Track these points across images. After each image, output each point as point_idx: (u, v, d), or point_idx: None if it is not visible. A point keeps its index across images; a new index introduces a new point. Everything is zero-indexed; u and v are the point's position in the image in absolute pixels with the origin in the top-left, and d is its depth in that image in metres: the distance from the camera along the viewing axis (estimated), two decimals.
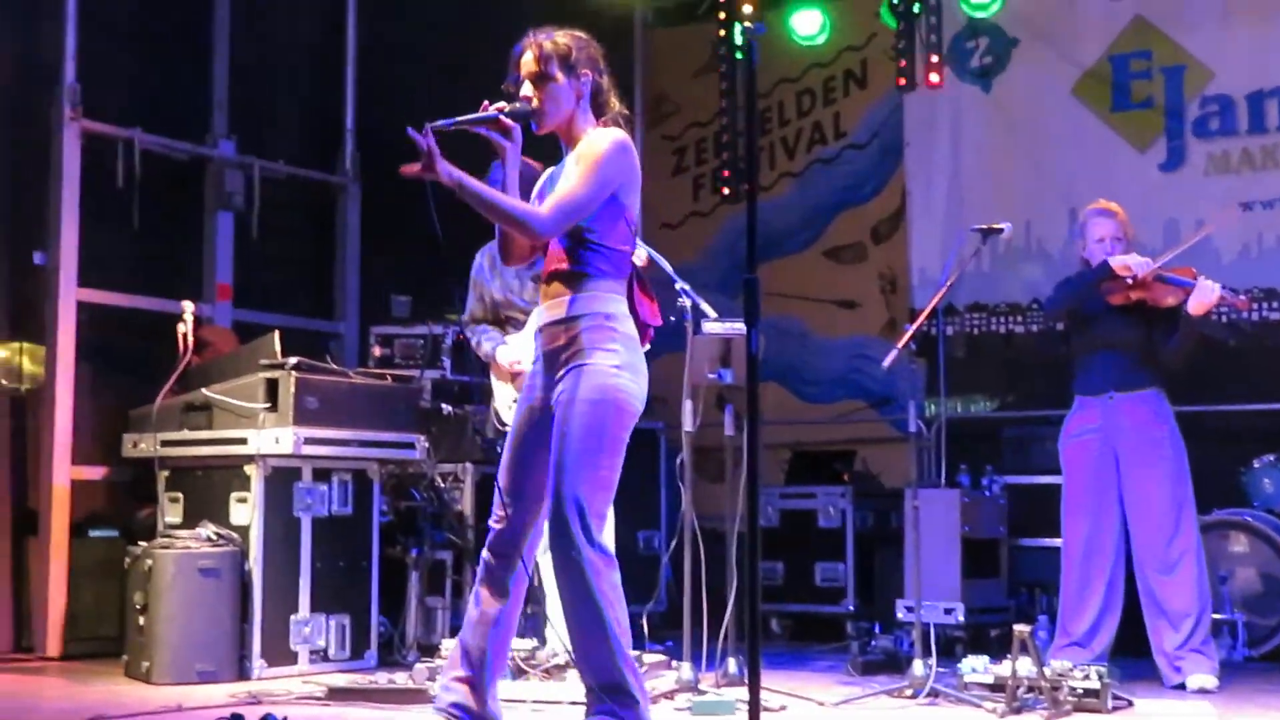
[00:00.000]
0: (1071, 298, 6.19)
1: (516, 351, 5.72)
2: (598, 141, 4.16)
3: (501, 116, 4.11)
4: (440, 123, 3.99)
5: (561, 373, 4.12)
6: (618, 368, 4.10)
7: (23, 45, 7.04)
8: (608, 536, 4.17)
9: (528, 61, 4.20)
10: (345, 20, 8.52)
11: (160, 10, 7.73)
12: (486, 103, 4.14)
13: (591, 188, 4.09)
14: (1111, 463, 6.05)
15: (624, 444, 4.13)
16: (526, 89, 4.18)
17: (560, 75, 4.20)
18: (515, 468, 4.24)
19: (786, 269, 9.70)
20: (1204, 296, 5.88)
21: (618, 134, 4.19)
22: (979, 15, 8.94)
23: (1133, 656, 6.21)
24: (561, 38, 4.25)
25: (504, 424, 5.71)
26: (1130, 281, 5.97)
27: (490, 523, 4.27)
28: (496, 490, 4.25)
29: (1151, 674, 6.03)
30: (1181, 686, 5.85)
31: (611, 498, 4.14)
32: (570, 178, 4.12)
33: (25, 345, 6.98)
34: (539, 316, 4.25)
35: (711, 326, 5.73)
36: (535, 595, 6.61)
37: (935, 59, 8.74)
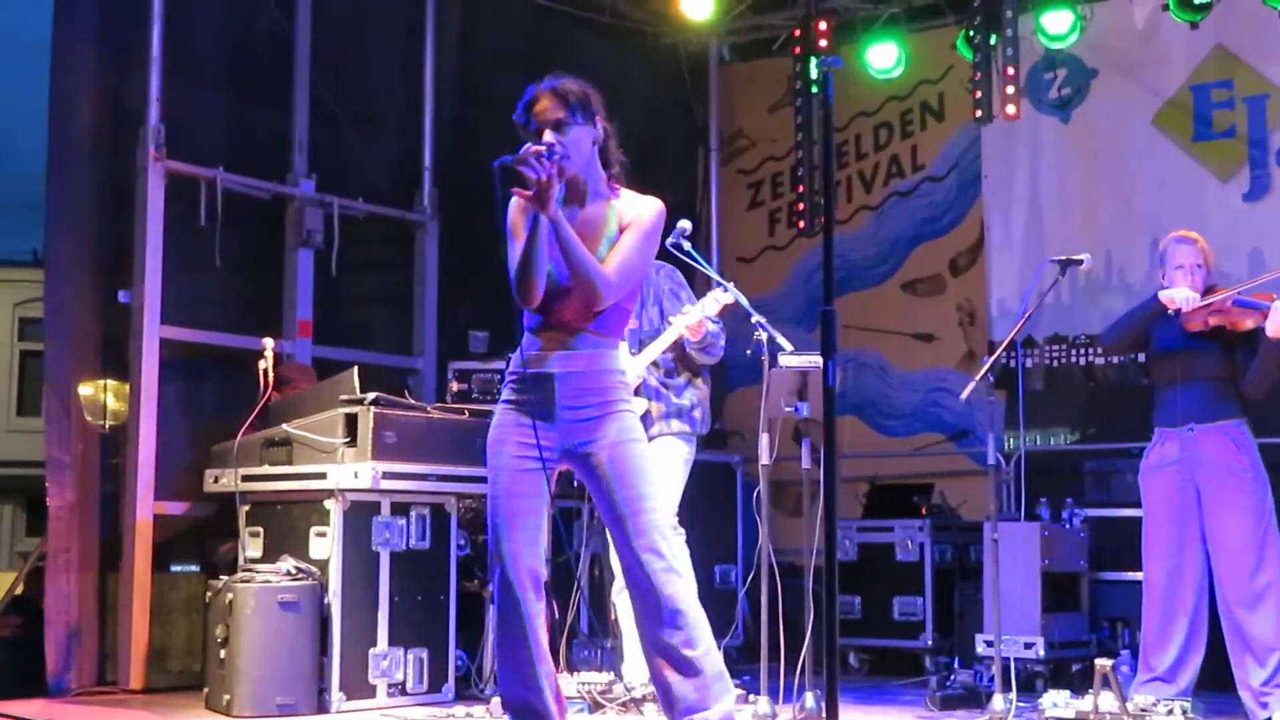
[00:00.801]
0: (1124, 330, 6.09)
1: None
2: (645, 210, 4.33)
3: (544, 149, 4.12)
4: (508, 160, 4.03)
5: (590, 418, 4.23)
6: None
7: (109, 88, 7.17)
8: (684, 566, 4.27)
9: (550, 107, 4.23)
10: (423, 59, 8.62)
11: (242, 52, 7.87)
12: (547, 141, 4.18)
13: (646, 255, 4.33)
14: (1193, 495, 5.91)
15: None
16: (549, 135, 4.20)
17: (581, 121, 4.25)
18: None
19: (864, 302, 9.67)
20: None
21: (658, 203, 4.36)
22: (1057, 46, 8.88)
23: (1218, 691, 6.10)
24: (575, 84, 4.30)
25: None
26: (1188, 310, 5.85)
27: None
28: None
29: (1237, 709, 5.91)
30: None
31: None
32: (627, 245, 4.27)
33: (110, 383, 7.09)
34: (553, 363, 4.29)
35: (788, 360, 5.72)
36: (612, 630, 6.63)
37: (1012, 90, 8.68)
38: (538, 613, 4.27)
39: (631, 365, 5.94)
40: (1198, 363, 5.91)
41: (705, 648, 4.21)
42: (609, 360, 4.30)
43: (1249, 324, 5.83)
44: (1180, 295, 5.86)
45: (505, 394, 4.36)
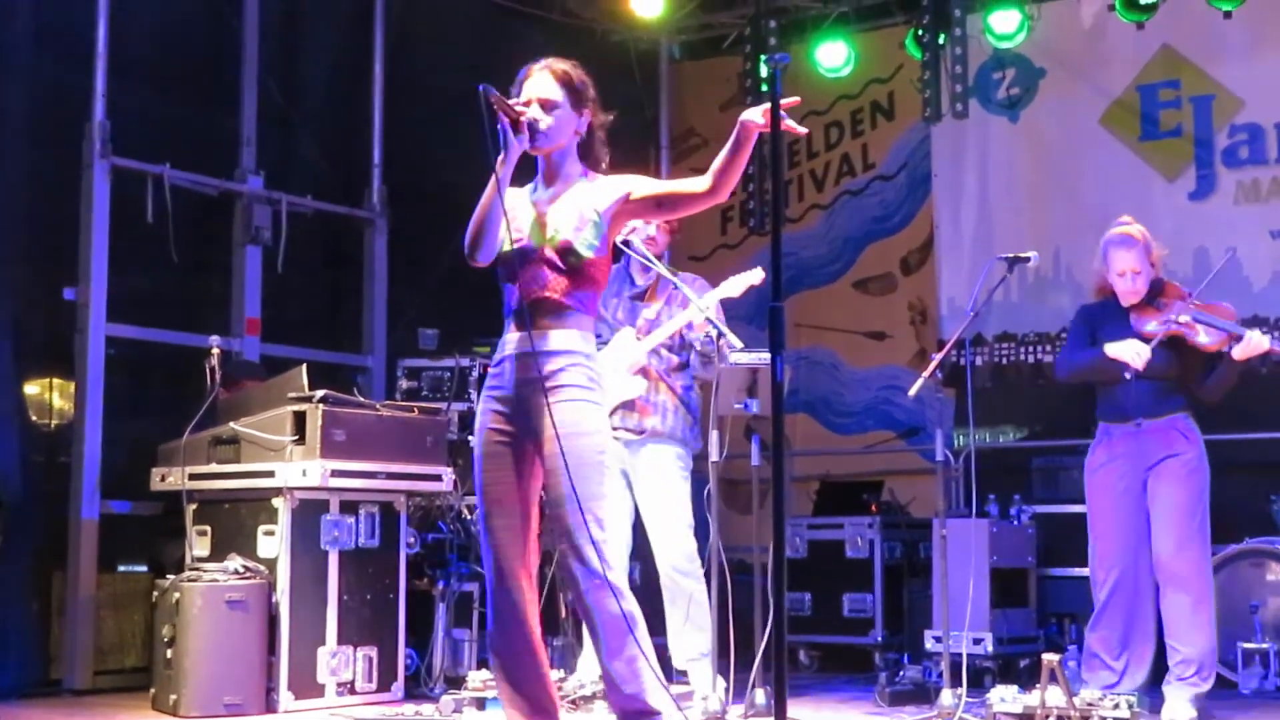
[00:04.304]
0: (1077, 375, 6.04)
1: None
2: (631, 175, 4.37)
3: (528, 117, 4.14)
4: (493, 92, 4.03)
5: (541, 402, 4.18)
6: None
7: (54, 84, 7.11)
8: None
9: (544, 82, 4.24)
10: (372, 57, 8.59)
11: (189, 49, 7.81)
12: (526, 99, 4.19)
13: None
14: (1140, 491, 5.88)
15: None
16: (535, 110, 4.20)
17: (570, 107, 4.25)
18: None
19: (816, 300, 9.71)
20: (1252, 349, 5.66)
21: None
22: (1005, 46, 8.93)
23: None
24: (576, 71, 4.30)
25: None
26: (1140, 367, 5.75)
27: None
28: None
29: None
30: None
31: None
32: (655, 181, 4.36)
33: (55, 381, 7.03)
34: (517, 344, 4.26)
35: (738, 357, 5.72)
36: (563, 627, 6.62)
37: (960, 90, 8.73)
38: (531, 601, 4.23)
39: (637, 349, 5.99)
40: (1150, 362, 5.78)
41: (627, 656, 4.08)
42: (567, 340, 4.20)
43: (1213, 347, 5.76)
44: (1128, 354, 5.74)
45: (487, 381, 4.34)
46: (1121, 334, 5.87)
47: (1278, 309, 8.18)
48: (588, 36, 9.61)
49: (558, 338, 4.19)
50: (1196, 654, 5.73)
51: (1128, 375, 5.75)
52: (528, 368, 4.18)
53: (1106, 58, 8.87)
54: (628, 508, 6.15)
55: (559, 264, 4.19)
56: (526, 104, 4.18)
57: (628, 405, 6.09)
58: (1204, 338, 5.76)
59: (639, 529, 6.20)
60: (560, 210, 4.25)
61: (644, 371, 6.12)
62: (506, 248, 4.20)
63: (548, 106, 4.22)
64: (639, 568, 6.56)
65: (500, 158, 4.09)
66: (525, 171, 4.32)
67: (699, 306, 5.85)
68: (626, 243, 5.91)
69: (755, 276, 6.02)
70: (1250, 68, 8.43)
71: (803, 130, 4.10)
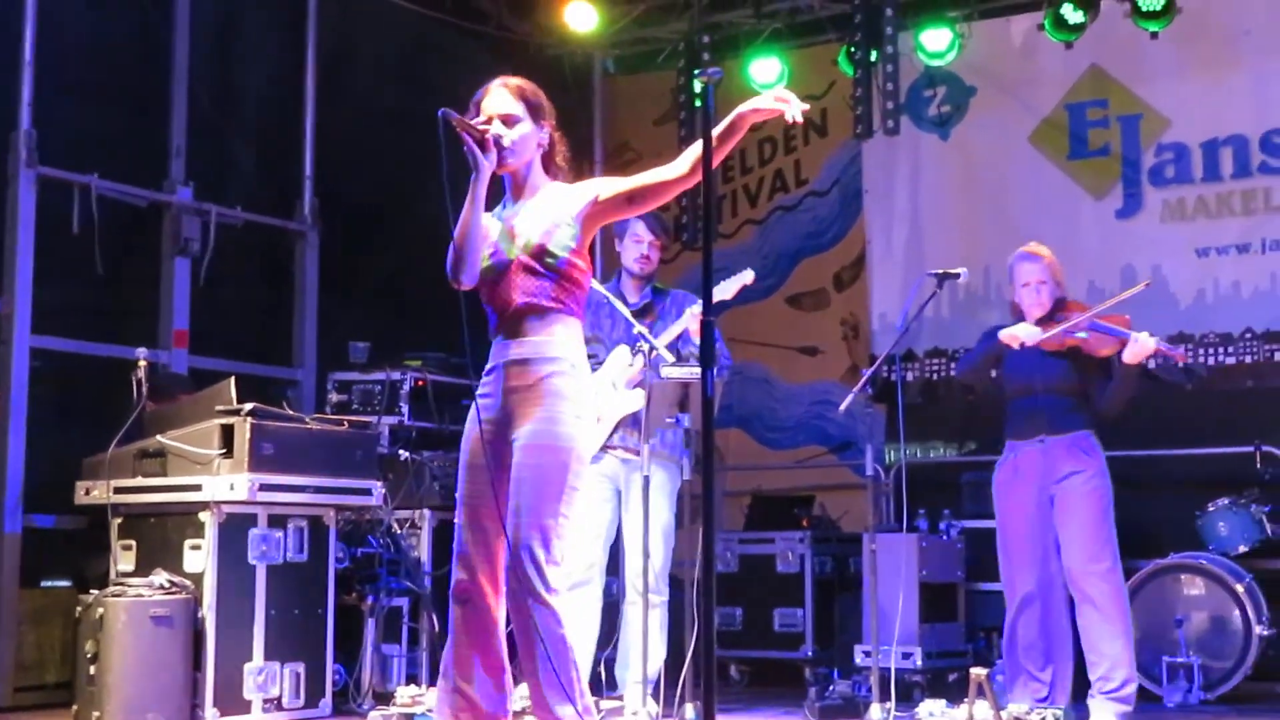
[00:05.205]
0: (971, 369, 6.22)
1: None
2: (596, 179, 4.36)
3: (492, 134, 4.14)
4: (453, 115, 4.02)
5: (518, 407, 4.15)
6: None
7: None
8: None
9: (503, 99, 4.23)
10: (304, 69, 8.53)
11: (118, 58, 7.73)
12: (487, 117, 4.18)
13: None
14: (1047, 507, 5.98)
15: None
16: (497, 126, 4.19)
17: (530, 121, 4.25)
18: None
19: (749, 315, 9.72)
20: (1139, 349, 5.77)
21: None
22: (936, 64, 9.01)
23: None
24: (530, 85, 4.30)
25: None
26: (1031, 343, 5.89)
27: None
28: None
29: None
30: None
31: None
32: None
33: None
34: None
35: (670, 371, 5.72)
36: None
37: (892, 107, 8.79)
38: (499, 621, 4.16)
39: (629, 369, 5.96)
40: (1051, 377, 5.96)
41: (566, 679, 4.02)
42: (552, 346, 4.15)
43: (1105, 351, 5.89)
44: (1022, 332, 5.91)
45: (479, 390, 4.28)
46: (1025, 349, 5.96)
47: (1202, 326, 8.30)
48: (522, 50, 9.60)
49: (543, 344, 4.15)
50: (1114, 665, 5.82)
51: (1016, 346, 5.89)
52: (512, 376, 4.16)
53: (1036, 77, 8.97)
54: (607, 523, 6.11)
55: (536, 268, 4.16)
56: (488, 121, 4.17)
57: (629, 423, 6.03)
58: (1105, 350, 5.87)
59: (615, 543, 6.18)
60: (528, 218, 4.23)
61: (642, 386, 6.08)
62: (483, 265, 4.19)
63: (510, 122, 4.20)
64: (616, 584, 6.50)
65: (472, 178, 4.09)
66: (492, 194, 4.30)
67: (692, 313, 5.87)
68: None
69: (747, 277, 6.02)
70: (1177, 88, 8.55)
71: (804, 108, 4.15)
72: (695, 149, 4.10)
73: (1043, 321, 5.99)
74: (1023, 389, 6.02)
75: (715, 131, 4.03)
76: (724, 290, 5.95)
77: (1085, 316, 5.90)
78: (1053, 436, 5.96)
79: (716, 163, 4.10)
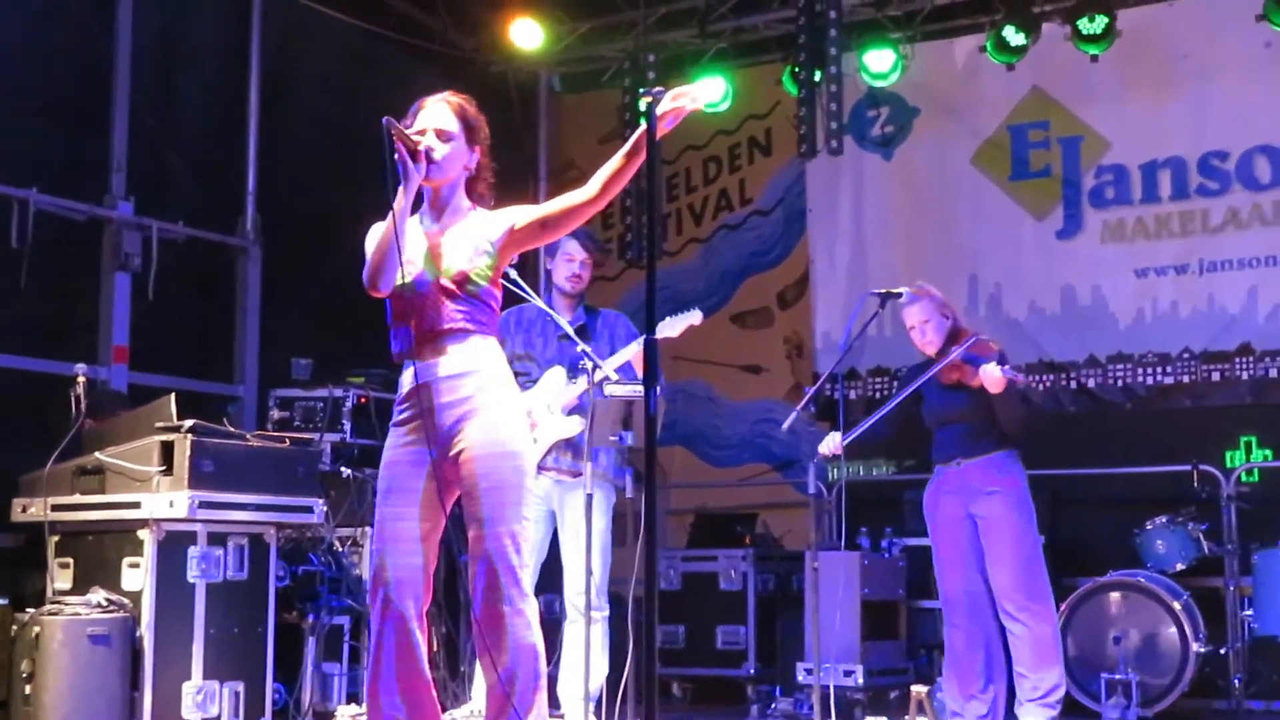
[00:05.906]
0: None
1: None
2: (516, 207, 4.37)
3: (423, 145, 4.15)
4: (395, 124, 4.05)
5: (458, 419, 4.16)
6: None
7: None
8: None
9: (440, 113, 4.25)
10: (247, 84, 8.49)
11: (59, 71, 7.66)
12: (421, 128, 4.19)
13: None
14: (971, 526, 6.14)
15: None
16: (430, 138, 4.19)
17: (463, 141, 4.26)
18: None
19: (694, 334, 9.67)
20: (988, 380, 5.84)
21: None
22: (879, 84, 9.07)
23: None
24: (471, 106, 4.32)
25: None
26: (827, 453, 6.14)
27: None
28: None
29: None
30: None
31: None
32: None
33: None
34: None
35: (613, 389, 5.71)
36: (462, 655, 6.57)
37: (835, 127, 8.83)
38: (423, 644, 4.17)
39: (566, 392, 5.94)
40: (953, 409, 6.16)
41: (534, 687, 4.09)
42: (474, 359, 4.17)
43: (978, 381, 5.98)
44: (825, 448, 6.12)
45: (394, 417, 4.27)
46: (931, 384, 6.16)
47: (1141, 346, 8.38)
48: (467, 67, 9.60)
49: (472, 360, 4.17)
50: (1043, 678, 5.93)
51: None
52: (444, 392, 4.15)
53: (978, 98, 9.05)
54: (541, 539, 6.10)
55: (457, 294, 4.18)
56: (421, 132, 4.18)
57: (562, 445, 6.03)
58: (971, 376, 6.00)
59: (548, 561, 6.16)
60: (453, 241, 4.24)
61: (579, 410, 6.07)
62: (401, 279, 4.17)
63: (443, 136, 4.22)
64: (557, 602, 6.48)
65: (400, 188, 4.09)
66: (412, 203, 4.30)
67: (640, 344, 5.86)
68: (505, 274, 5.88)
69: (694, 318, 6.07)
70: (1117, 110, 8.64)
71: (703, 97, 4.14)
72: (604, 171, 4.18)
73: (940, 356, 6.10)
74: (938, 421, 6.23)
75: (621, 151, 4.14)
76: (670, 328, 5.97)
77: (962, 347, 6.01)
78: (968, 460, 6.14)
79: (621, 186, 4.20)
